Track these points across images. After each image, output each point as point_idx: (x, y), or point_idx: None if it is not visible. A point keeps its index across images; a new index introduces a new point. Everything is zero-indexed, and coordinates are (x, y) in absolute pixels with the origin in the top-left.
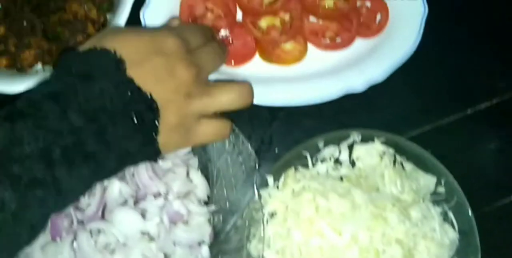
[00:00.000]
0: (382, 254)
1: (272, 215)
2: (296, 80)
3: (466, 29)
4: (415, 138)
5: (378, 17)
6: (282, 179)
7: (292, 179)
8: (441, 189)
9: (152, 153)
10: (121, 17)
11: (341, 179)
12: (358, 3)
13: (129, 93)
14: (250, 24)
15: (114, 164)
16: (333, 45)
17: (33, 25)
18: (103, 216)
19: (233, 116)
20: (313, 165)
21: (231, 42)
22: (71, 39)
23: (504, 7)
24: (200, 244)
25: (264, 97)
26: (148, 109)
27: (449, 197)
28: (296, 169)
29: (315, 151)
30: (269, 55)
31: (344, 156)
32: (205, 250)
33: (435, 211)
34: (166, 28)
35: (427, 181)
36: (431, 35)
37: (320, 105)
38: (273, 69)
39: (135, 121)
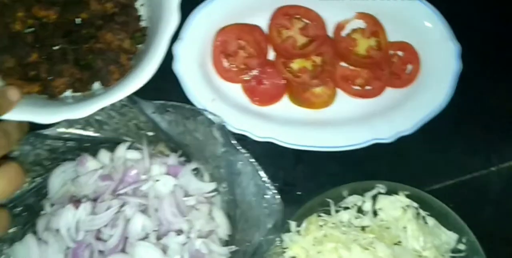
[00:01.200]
0: None
1: None
2: (323, 124)
3: (498, 86)
4: (438, 190)
5: (409, 67)
6: (304, 225)
7: (315, 225)
8: (462, 246)
9: None
10: (158, 51)
11: (363, 228)
12: (390, 52)
13: None
14: (282, 65)
15: None
16: (363, 93)
17: (64, 51)
18: (123, 249)
19: (258, 156)
20: (336, 212)
21: (261, 81)
22: (103, 68)
23: None
24: None
25: (289, 139)
26: None
27: (469, 255)
28: (318, 215)
29: (339, 199)
30: (298, 98)
31: (367, 206)
32: None
33: None
34: None
35: (449, 238)
36: (463, 90)
37: (346, 150)
38: (301, 111)
39: None
